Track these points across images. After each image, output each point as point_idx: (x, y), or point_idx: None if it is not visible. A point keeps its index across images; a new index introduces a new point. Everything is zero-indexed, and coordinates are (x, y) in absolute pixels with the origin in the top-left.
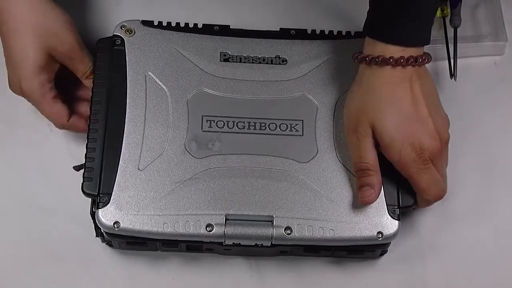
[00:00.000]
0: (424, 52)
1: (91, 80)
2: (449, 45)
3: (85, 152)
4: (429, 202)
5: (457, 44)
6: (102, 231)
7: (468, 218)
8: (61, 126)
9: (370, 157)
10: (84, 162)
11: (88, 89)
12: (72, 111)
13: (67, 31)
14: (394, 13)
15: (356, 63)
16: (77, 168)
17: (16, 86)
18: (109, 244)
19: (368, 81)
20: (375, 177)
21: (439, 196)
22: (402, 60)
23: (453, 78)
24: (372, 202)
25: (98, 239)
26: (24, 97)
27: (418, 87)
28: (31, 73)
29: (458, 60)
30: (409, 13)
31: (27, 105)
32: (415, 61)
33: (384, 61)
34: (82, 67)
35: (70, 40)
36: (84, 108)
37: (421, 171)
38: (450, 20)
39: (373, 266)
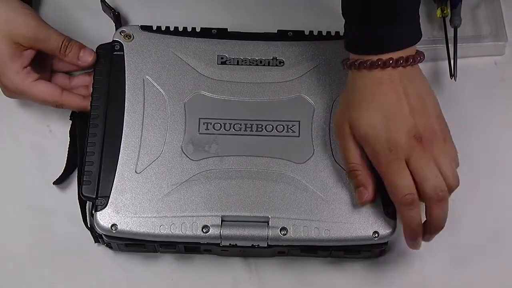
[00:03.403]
0: (417, 51)
1: (70, 54)
2: (449, 45)
3: (84, 156)
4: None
5: (457, 44)
6: (101, 233)
7: (467, 217)
8: (56, 104)
9: (354, 156)
10: (61, 173)
11: (69, 64)
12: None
13: (25, 16)
14: (375, 24)
15: (346, 69)
16: (57, 181)
17: (2, 88)
18: (109, 246)
19: (356, 83)
20: (363, 176)
21: (409, 203)
22: (391, 62)
23: (453, 78)
24: (369, 201)
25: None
26: (12, 94)
27: (406, 87)
28: (3, 67)
29: (458, 60)
30: (392, 19)
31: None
32: (406, 62)
33: (373, 65)
34: (53, 44)
35: (31, 22)
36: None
37: (392, 170)
38: (450, 20)
39: (371, 266)
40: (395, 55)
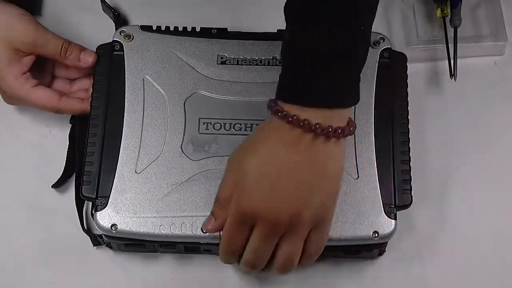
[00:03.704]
0: (349, 122)
1: (70, 57)
2: (449, 45)
3: (84, 156)
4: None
5: (457, 44)
6: (101, 233)
7: (467, 217)
8: (55, 109)
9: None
10: (60, 177)
11: (69, 68)
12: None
13: (24, 22)
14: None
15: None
16: (56, 185)
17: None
18: (109, 246)
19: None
20: (223, 212)
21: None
22: (306, 122)
23: (453, 78)
24: (211, 231)
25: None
26: (11, 100)
27: (301, 156)
28: (2, 73)
29: (458, 60)
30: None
31: (27, 107)
32: (321, 130)
33: (285, 117)
34: (52, 48)
35: (29, 28)
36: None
37: (232, 227)
38: (450, 20)
39: (371, 266)
40: (313, 116)
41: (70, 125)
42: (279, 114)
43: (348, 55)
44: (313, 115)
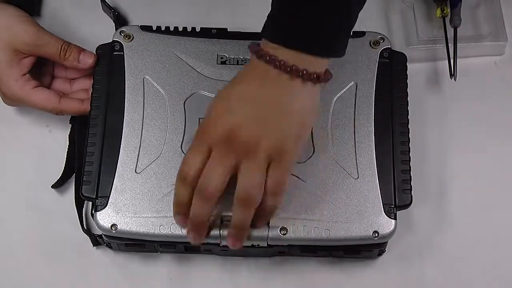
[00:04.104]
0: (326, 72)
1: (70, 58)
2: (449, 45)
3: (84, 156)
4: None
5: (457, 44)
6: (101, 233)
7: (466, 217)
8: (55, 111)
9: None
10: (59, 177)
11: (72, 69)
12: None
13: (23, 23)
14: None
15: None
16: (55, 185)
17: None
18: (109, 246)
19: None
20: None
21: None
22: (283, 63)
23: (453, 78)
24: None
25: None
26: (11, 102)
27: (274, 91)
28: (2, 74)
29: (458, 60)
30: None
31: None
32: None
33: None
34: (52, 49)
35: (29, 29)
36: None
37: (194, 148)
38: (450, 20)
39: (371, 266)
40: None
41: (70, 125)
42: (259, 53)
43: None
44: (291, 57)
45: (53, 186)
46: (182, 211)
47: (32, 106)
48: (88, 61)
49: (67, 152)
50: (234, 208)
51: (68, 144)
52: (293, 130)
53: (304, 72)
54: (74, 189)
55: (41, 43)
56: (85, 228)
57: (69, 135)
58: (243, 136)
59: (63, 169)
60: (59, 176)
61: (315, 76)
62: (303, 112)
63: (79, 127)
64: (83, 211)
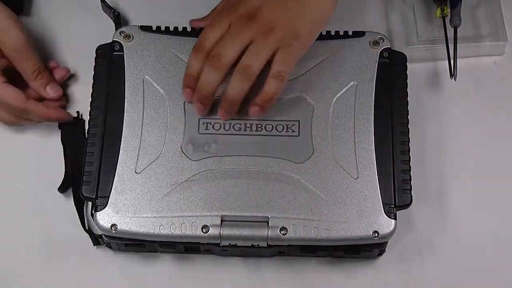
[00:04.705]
0: None
1: (37, 82)
2: (449, 45)
3: (84, 156)
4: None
5: (457, 44)
6: (101, 233)
7: (467, 217)
8: (21, 108)
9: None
10: (62, 180)
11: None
12: None
13: (16, 28)
14: None
15: None
16: (61, 189)
17: None
18: (109, 246)
19: None
20: None
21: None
22: None
23: (453, 78)
24: None
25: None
26: None
27: None
28: None
29: (458, 60)
30: None
31: None
32: None
33: None
34: (29, 65)
35: (19, 36)
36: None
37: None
38: (450, 20)
39: (371, 266)
40: None
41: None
42: None
43: None
44: None
45: (59, 190)
46: (191, 83)
47: None
48: (51, 93)
49: (64, 156)
50: (232, 78)
51: (63, 148)
52: (307, 20)
53: None
54: (72, 189)
55: (23, 54)
56: (87, 227)
57: (61, 140)
58: (261, 17)
59: (64, 173)
60: (62, 180)
61: None
62: (317, 7)
63: (69, 130)
64: (84, 210)
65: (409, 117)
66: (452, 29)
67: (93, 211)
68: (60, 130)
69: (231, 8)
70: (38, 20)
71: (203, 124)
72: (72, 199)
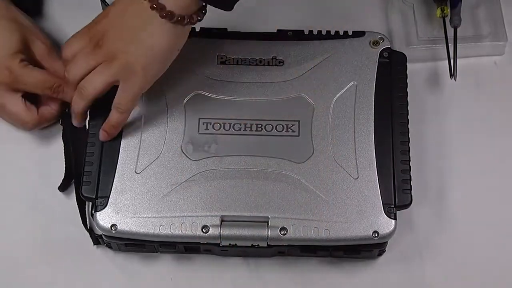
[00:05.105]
0: (192, 16)
1: (60, 95)
2: (449, 45)
3: (84, 156)
4: None
5: (457, 44)
6: (101, 233)
7: (466, 217)
8: (50, 91)
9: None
10: (63, 178)
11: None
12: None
13: (42, 33)
14: None
15: None
16: (62, 188)
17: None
18: (109, 246)
19: None
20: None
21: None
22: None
23: (453, 78)
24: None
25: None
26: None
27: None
28: (10, 52)
29: (458, 60)
30: None
31: None
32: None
33: None
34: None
35: (46, 42)
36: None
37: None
38: (450, 20)
39: (371, 266)
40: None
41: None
42: None
43: None
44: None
45: (59, 189)
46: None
47: (23, 81)
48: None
49: (64, 153)
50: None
51: (63, 145)
52: (140, 55)
53: (161, 8)
54: (74, 188)
55: (51, 57)
56: (88, 227)
57: (62, 136)
58: (106, 45)
59: (64, 171)
60: (62, 178)
61: (169, 13)
62: (149, 44)
63: (72, 127)
64: (86, 209)
65: (409, 117)
66: (452, 29)
67: (93, 211)
68: (61, 126)
69: (91, 29)
70: (39, 21)
71: (203, 124)
72: (75, 198)
